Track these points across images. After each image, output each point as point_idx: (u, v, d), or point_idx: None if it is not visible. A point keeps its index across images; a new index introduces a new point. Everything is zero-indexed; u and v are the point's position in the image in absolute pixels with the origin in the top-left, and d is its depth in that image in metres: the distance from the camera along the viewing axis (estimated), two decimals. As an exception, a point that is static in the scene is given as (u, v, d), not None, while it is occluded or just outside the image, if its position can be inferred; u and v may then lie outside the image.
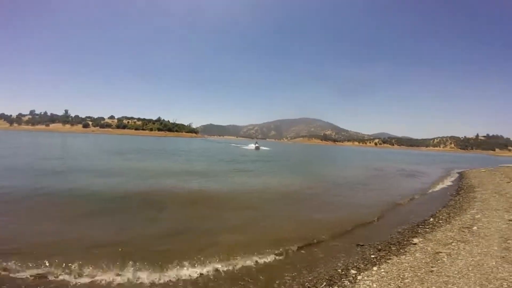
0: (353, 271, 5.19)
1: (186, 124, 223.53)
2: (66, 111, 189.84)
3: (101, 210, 8.91)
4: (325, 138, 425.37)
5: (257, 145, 60.73)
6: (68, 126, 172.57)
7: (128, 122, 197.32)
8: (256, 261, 5.78)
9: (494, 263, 4.68)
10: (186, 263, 5.41)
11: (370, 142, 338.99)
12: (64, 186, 11.84)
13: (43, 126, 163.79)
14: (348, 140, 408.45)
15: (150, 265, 5.25)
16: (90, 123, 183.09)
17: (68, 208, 8.92)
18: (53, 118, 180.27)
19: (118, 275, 4.91)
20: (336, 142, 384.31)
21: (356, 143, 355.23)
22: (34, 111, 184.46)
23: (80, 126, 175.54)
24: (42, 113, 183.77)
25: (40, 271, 4.86)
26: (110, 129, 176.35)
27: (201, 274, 5.14)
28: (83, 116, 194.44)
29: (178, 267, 5.30)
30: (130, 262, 5.24)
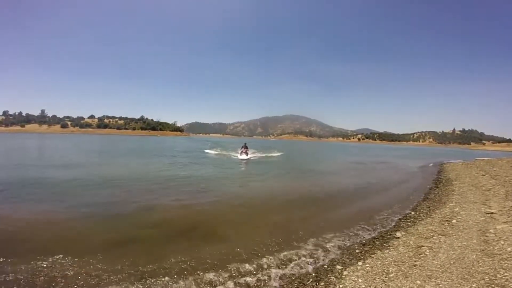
0: (338, 267, 5.19)
1: (170, 122, 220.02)
2: (43, 111, 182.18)
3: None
4: (310, 134, 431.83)
5: (242, 156, 27.99)
6: (45, 126, 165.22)
7: (109, 121, 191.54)
8: (244, 258, 5.64)
9: (474, 257, 4.73)
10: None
11: (353, 138, 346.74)
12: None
13: (18, 127, 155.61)
14: (333, 136, 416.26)
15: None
16: (69, 123, 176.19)
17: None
18: (28, 119, 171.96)
19: None
20: (321, 138, 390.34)
21: (340, 138, 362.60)
22: (7, 111, 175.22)
23: (58, 126, 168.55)
24: (17, 114, 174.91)
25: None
26: (90, 129, 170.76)
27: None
28: (61, 116, 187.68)
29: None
30: None
